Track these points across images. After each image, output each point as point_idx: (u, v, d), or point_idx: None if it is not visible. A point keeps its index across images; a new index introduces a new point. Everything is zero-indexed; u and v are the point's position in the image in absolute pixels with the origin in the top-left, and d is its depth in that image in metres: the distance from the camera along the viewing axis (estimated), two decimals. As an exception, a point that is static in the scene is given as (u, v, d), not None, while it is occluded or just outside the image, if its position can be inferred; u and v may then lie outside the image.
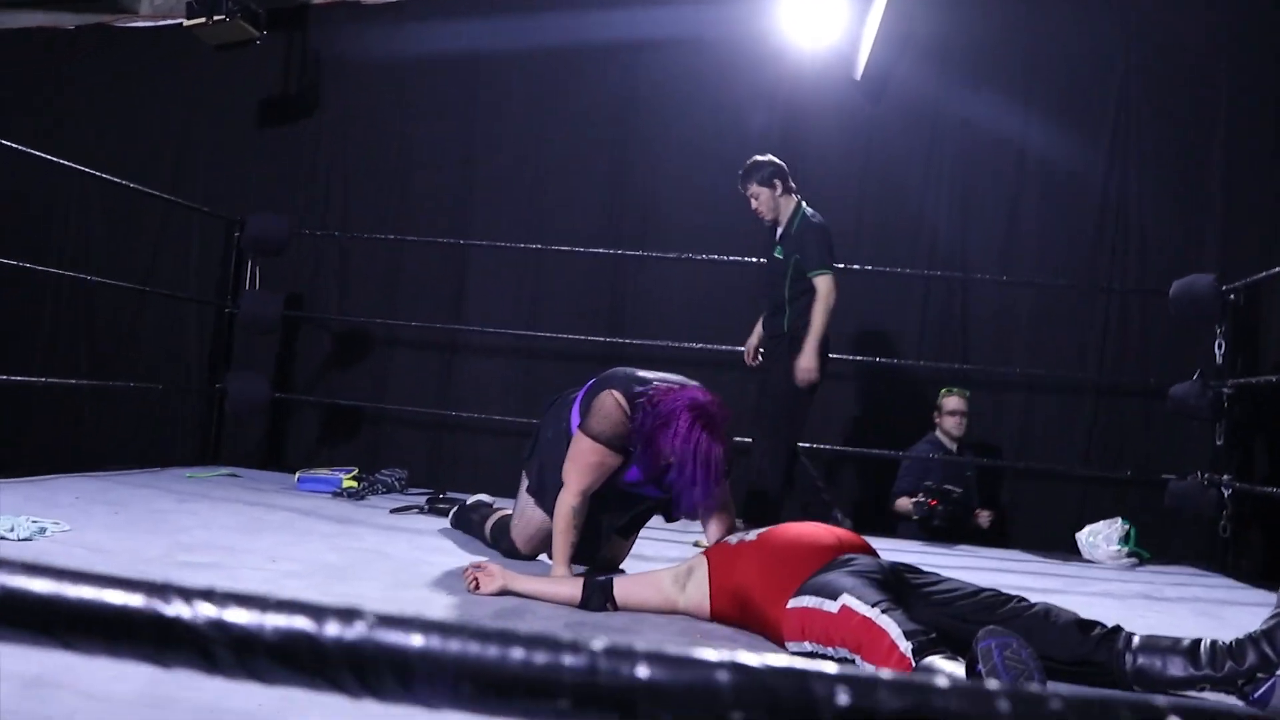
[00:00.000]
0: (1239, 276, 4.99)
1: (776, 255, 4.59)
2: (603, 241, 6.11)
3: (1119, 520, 4.71)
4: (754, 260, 5.38)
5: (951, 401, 5.32)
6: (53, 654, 0.48)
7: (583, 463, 3.02)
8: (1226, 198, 5.55)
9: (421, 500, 4.69)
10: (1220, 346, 4.97)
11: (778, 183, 4.54)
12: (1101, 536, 4.64)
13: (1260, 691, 2.24)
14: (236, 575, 2.87)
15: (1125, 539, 4.64)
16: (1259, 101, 5.58)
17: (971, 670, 1.85)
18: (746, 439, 4.55)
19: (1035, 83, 5.85)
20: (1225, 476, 4.86)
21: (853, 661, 2.24)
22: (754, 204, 4.58)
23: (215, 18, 5.73)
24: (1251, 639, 2.28)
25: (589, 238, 6.13)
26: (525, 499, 3.40)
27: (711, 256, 5.71)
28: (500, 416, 5.96)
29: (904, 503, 5.16)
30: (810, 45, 5.84)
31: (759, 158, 4.62)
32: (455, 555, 3.54)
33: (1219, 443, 4.98)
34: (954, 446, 5.34)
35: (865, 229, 5.92)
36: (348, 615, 0.43)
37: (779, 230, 4.59)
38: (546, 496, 3.22)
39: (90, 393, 6.67)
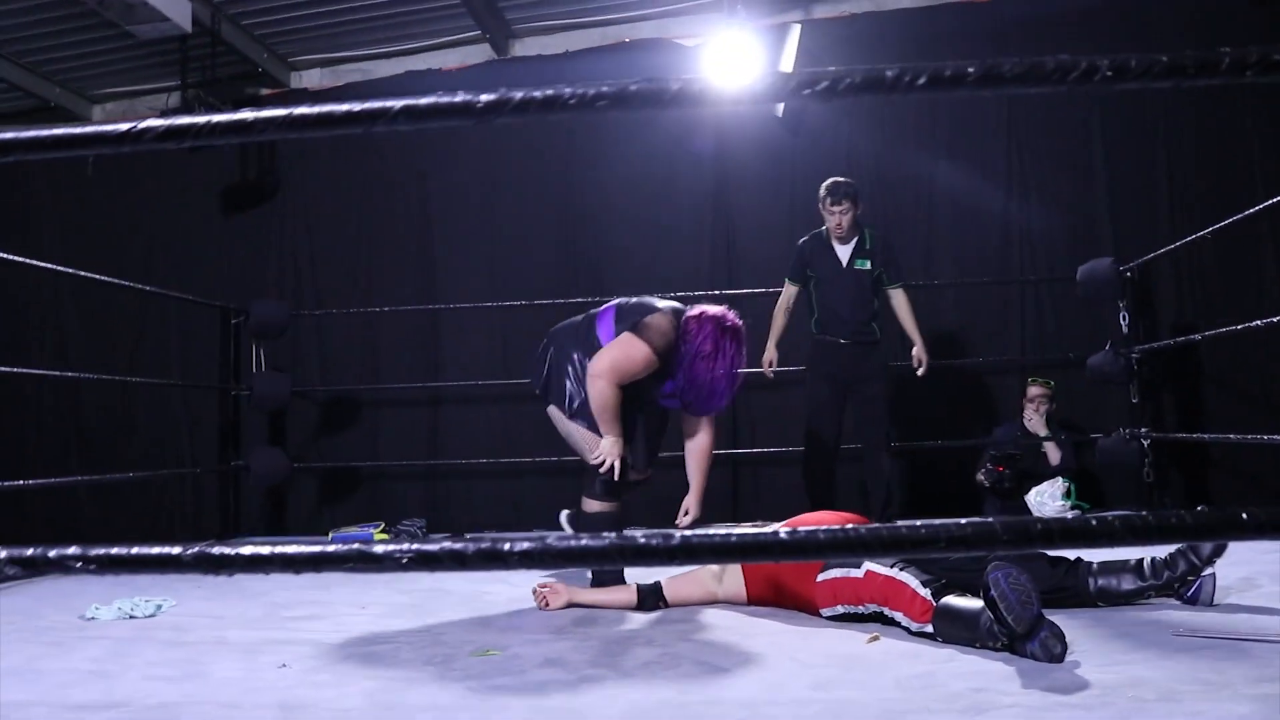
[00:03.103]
0: (1133, 257, 5.75)
1: (858, 267, 5.03)
2: (561, 289, 6.63)
3: (1059, 479, 5.41)
4: (703, 293, 5.84)
5: (1031, 390, 5.78)
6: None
7: (626, 358, 3.44)
8: (1111, 188, 6.34)
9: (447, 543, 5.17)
10: (1124, 319, 5.70)
11: (859, 202, 5.04)
12: (1047, 495, 5.33)
13: (1191, 591, 2.90)
14: (341, 623, 3.28)
15: (1067, 494, 5.33)
16: (1129, 105, 6.39)
17: (986, 595, 2.41)
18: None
19: (935, 106, 6.58)
20: (1143, 430, 5.60)
21: (883, 613, 2.83)
22: (839, 219, 4.96)
23: (187, 122, 6.09)
24: (1180, 551, 2.94)
25: (549, 285, 6.66)
26: (570, 426, 3.62)
27: (665, 295, 6.28)
28: (488, 460, 6.48)
29: (979, 477, 5.53)
30: (733, 85, 6.45)
31: (841, 178, 5.07)
32: (504, 582, 3.92)
33: (1134, 401, 5.72)
34: (1040, 430, 5.71)
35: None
36: (648, 533, 0.97)
37: (851, 245, 5.05)
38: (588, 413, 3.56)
39: (85, 490, 6.95)
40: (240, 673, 2.61)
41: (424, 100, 1.01)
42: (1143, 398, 5.72)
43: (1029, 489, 5.43)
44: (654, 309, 3.56)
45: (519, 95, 0.99)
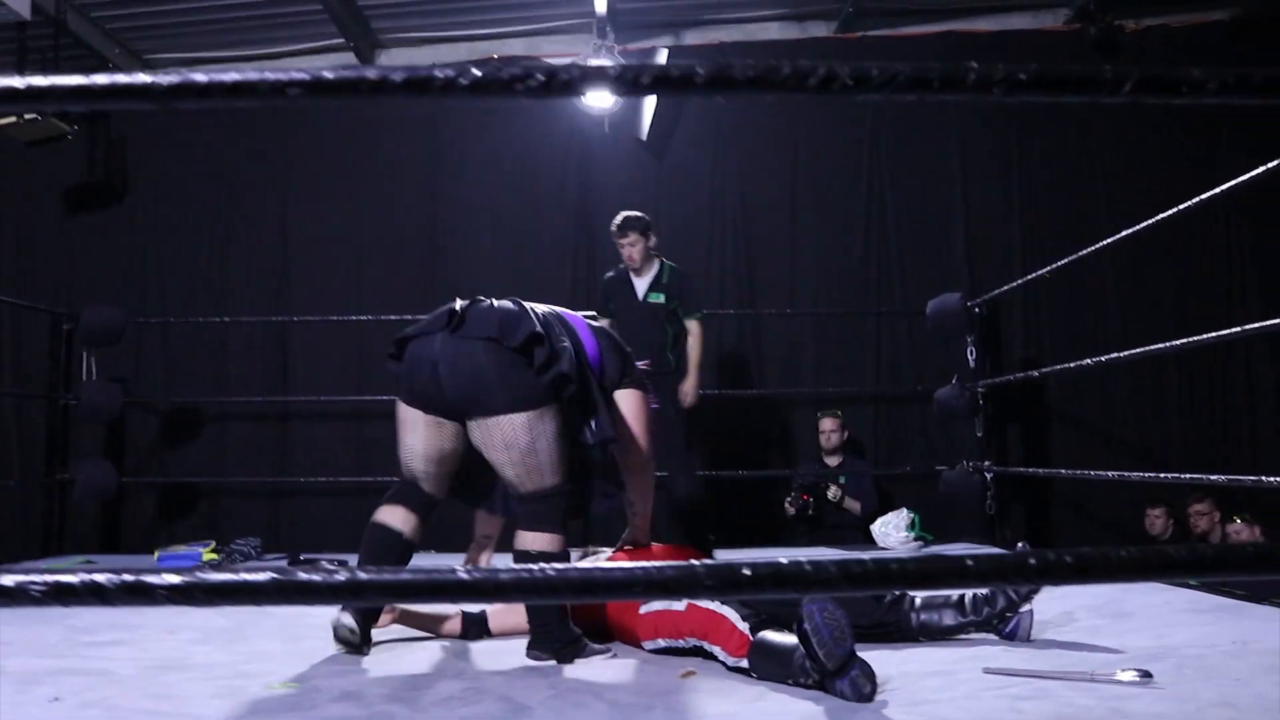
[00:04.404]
0: (982, 293, 5.86)
1: (653, 300, 5.17)
2: (419, 306, 6.44)
3: (904, 510, 5.46)
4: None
5: (822, 424, 5.99)
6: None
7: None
8: (967, 227, 6.50)
9: (282, 564, 4.98)
10: (971, 353, 5.81)
11: (651, 234, 5.15)
12: (891, 525, 5.37)
13: (1009, 627, 2.91)
14: (145, 648, 3.08)
15: (911, 525, 5.37)
16: (988, 139, 6.56)
17: (799, 629, 2.35)
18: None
19: (798, 136, 6.65)
20: (986, 463, 5.70)
21: (702, 647, 2.77)
22: (629, 251, 5.14)
23: (27, 116, 5.81)
24: (1000, 588, 2.94)
25: (409, 301, 6.48)
26: (544, 437, 2.87)
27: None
28: (334, 478, 6.27)
29: (787, 507, 5.74)
30: (597, 109, 6.44)
31: (631, 212, 5.21)
32: (331, 608, 3.83)
33: (979, 435, 5.82)
34: (832, 459, 6.00)
35: (663, 274, 6.57)
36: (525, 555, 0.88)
37: (647, 278, 5.18)
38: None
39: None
40: (3, 708, 2.40)
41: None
42: (987, 431, 5.82)
43: (829, 520, 5.67)
44: (623, 352, 3.23)
45: (204, 80, 0.88)
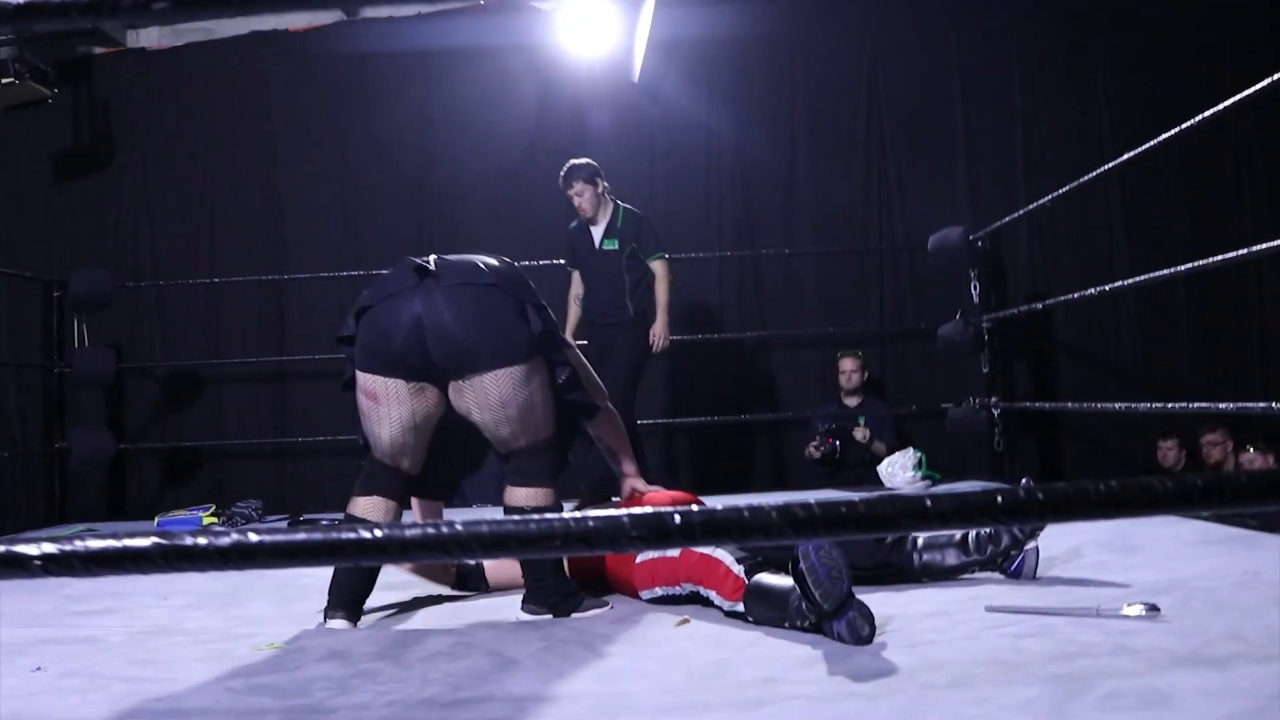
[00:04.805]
0: (985, 225, 5.74)
1: (607, 247, 5.00)
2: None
3: (910, 449, 5.37)
4: (552, 262, 5.64)
5: (843, 364, 5.91)
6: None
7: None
8: (968, 160, 6.36)
9: (283, 525, 4.93)
10: (975, 288, 5.69)
11: (599, 181, 4.95)
12: (898, 465, 5.30)
13: (1014, 565, 2.83)
14: (136, 615, 3.06)
15: (918, 465, 5.29)
16: (988, 68, 6.41)
17: (794, 569, 2.27)
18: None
19: (795, 71, 6.50)
20: (993, 399, 5.60)
21: (698, 592, 2.70)
22: (578, 201, 4.94)
23: (4, 80, 5.70)
24: (1004, 525, 2.87)
25: (402, 255, 6.37)
26: (533, 392, 2.74)
27: (523, 262, 6.08)
28: (334, 437, 6.21)
29: (810, 450, 5.66)
30: (588, 53, 6.29)
31: (577, 160, 5.00)
32: (325, 570, 3.79)
33: (985, 371, 5.72)
34: (851, 400, 5.92)
35: (657, 218, 6.42)
36: (449, 523, 0.80)
37: (602, 225, 5.02)
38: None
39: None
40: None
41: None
42: (993, 367, 5.72)
43: (853, 461, 5.58)
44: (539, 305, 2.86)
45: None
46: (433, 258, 2.77)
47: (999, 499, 0.76)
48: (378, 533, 0.76)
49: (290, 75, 6.68)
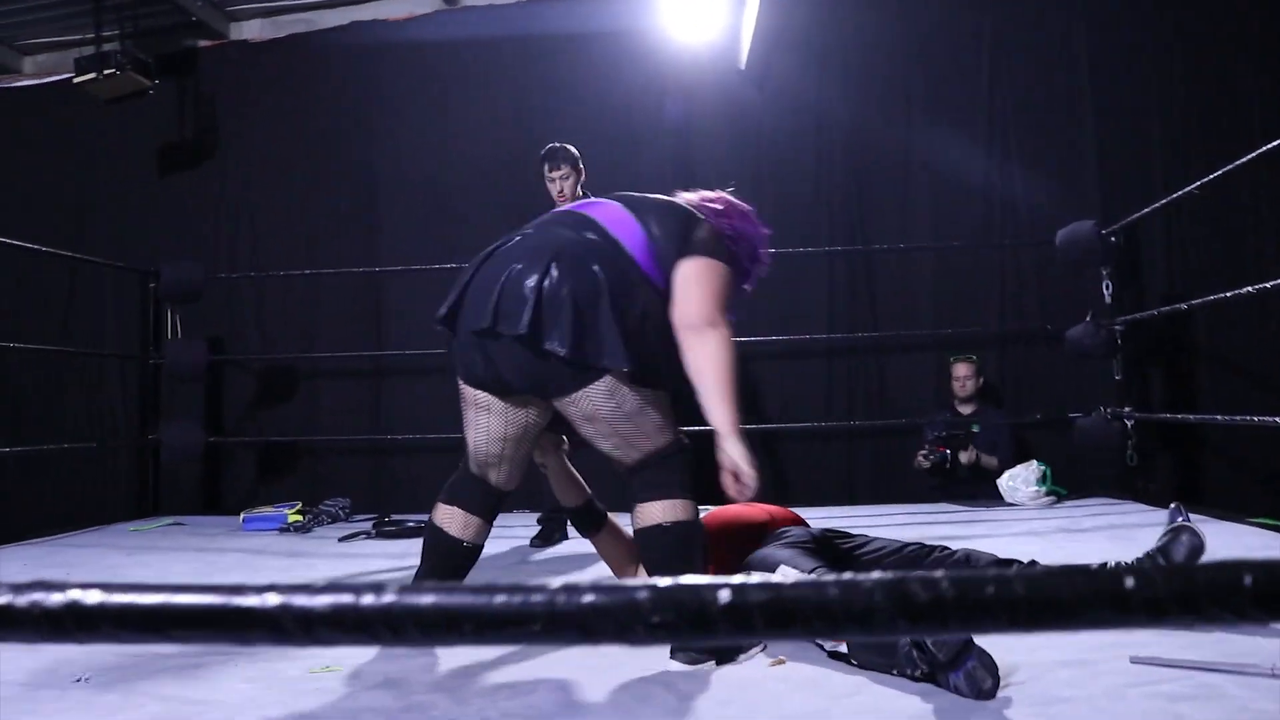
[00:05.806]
0: (1118, 218, 5.29)
1: None
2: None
3: (1034, 462, 4.97)
4: None
5: (956, 369, 5.52)
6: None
7: (727, 288, 2.52)
8: (1099, 147, 5.88)
9: (368, 526, 4.78)
10: (1108, 287, 5.25)
11: (582, 169, 4.61)
12: (1020, 480, 4.90)
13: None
14: None
15: (1042, 479, 4.90)
16: (1118, 49, 5.93)
17: None
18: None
19: (911, 59, 6.12)
20: (1126, 409, 5.16)
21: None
22: (559, 185, 4.51)
23: (106, 72, 5.68)
24: (1149, 554, 2.51)
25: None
26: (629, 399, 2.41)
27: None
28: (433, 435, 6.04)
29: (919, 460, 5.29)
30: (693, 39, 6.03)
31: (559, 144, 4.63)
32: (409, 573, 3.61)
33: (1117, 378, 5.28)
34: (966, 408, 5.52)
35: (764, 210, 6.11)
36: (377, 588, 0.55)
37: None
38: (660, 362, 2.46)
39: (14, 460, 6.54)
40: (26, 686, 2.22)
41: None
42: (1127, 374, 5.27)
43: (963, 473, 5.23)
44: (684, 213, 2.60)
45: None
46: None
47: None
48: (270, 601, 0.51)
49: (389, 64, 6.56)
